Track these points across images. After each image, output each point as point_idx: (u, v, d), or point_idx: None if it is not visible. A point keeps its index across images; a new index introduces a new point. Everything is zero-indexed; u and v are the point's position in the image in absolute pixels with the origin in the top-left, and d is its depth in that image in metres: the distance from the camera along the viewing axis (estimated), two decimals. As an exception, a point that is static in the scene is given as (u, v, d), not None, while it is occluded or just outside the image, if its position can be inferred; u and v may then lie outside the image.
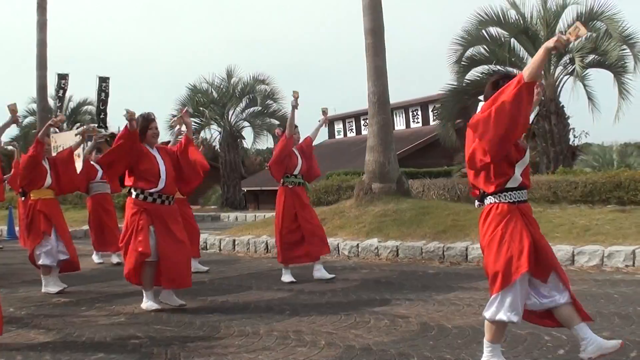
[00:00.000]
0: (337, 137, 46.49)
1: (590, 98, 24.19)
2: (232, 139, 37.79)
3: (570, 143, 26.24)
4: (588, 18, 23.16)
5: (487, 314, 5.35)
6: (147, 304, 8.90)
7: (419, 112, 40.64)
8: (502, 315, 5.26)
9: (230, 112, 37.79)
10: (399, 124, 41.02)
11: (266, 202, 41.07)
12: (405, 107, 41.29)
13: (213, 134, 39.02)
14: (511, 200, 5.38)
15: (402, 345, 6.51)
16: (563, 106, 24.43)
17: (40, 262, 10.63)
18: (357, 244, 14.18)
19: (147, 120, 9.11)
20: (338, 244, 14.47)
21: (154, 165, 8.95)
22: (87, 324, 8.12)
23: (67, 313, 8.92)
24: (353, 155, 33.60)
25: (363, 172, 18.22)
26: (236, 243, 16.49)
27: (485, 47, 24.50)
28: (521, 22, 23.99)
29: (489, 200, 5.42)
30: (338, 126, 47.01)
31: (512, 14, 24.09)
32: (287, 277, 11.10)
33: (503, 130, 5.01)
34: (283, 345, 6.72)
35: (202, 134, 38.01)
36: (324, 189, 21.54)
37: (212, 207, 37.94)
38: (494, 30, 24.33)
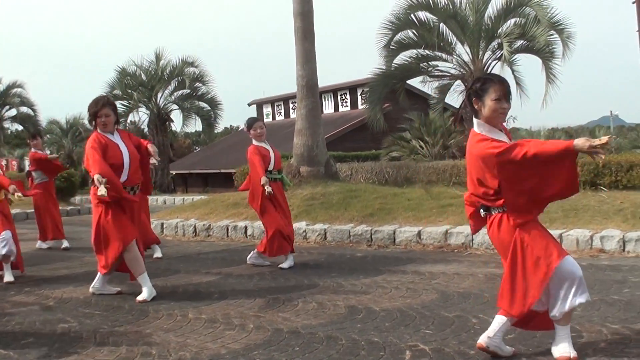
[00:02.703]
0: (265, 120, 46.41)
1: (518, 83, 24.48)
2: (161, 122, 37.51)
3: (499, 127, 26.55)
4: (517, 4, 23.43)
5: (554, 312, 5.21)
6: (146, 293, 8.29)
7: (348, 96, 40.78)
8: (569, 304, 5.12)
9: (159, 95, 37.58)
10: (328, 107, 41.13)
11: (194, 185, 40.92)
12: (334, 91, 41.40)
13: (141, 116, 38.74)
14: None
15: (330, 328, 6.57)
16: (491, 91, 24.65)
17: None
18: (286, 228, 14.19)
19: (95, 106, 8.45)
20: (266, 227, 14.48)
21: (118, 155, 8.30)
22: (16, 309, 8.03)
23: (-6, 298, 8.81)
24: (281, 139, 33.58)
25: (291, 156, 18.24)
26: (164, 226, 16.42)
27: (414, 31, 24.59)
28: (450, 7, 24.12)
29: (497, 210, 5.30)
30: (267, 109, 46.98)
31: (442, -2, 24.25)
32: (257, 259, 11.00)
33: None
34: (211, 329, 6.73)
35: (130, 117, 37.70)
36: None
37: (160, 193, 37.69)
38: (423, 14, 24.42)
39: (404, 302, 7.67)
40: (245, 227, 14.75)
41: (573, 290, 5.08)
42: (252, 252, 11.04)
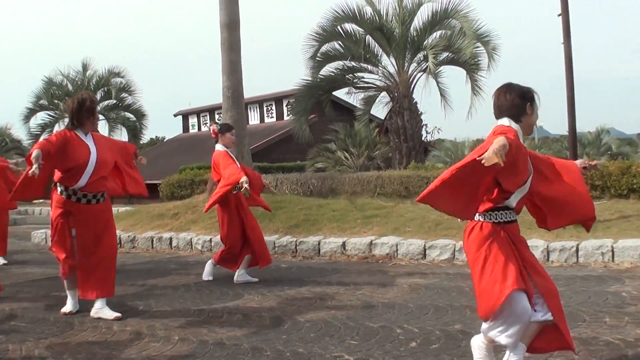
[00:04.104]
0: (191, 131, 46.13)
1: (442, 95, 24.67)
2: (86, 133, 37.00)
3: (423, 139, 26.71)
4: (443, 16, 23.59)
5: (485, 333, 5.08)
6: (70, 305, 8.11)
7: (274, 107, 40.75)
8: (493, 335, 5.00)
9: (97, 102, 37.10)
10: (253, 118, 41.04)
11: (119, 197, 40.45)
12: (260, 102, 41.33)
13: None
14: (497, 221, 4.99)
15: (255, 340, 6.58)
16: (416, 102, 24.80)
17: None
18: (210, 239, 14.15)
19: (93, 103, 8.06)
20: (191, 238, 14.41)
21: (81, 157, 7.75)
22: None
23: None
24: (207, 150, 33.34)
25: (217, 167, 18.18)
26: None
27: (340, 43, 24.63)
28: (377, 19, 24.20)
29: (475, 217, 5.04)
30: (192, 120, 46.69)
31: (368, 10, 24.25)
32: (209, 274, 10.54)
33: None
34: (137, 341, 6.69)
35: (56, 127, 37.15)
36: (177, 183, 21.30)
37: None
38: (349, 26, 24.46)
39: (328, 313, 7.71)
40: (170, 239, 14.65)
41: (503, 326, 4.92)
42: (237, 273, 10.44)
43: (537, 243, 10.91)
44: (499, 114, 5.05)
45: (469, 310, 7.52)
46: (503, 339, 4.90)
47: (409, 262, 11.53)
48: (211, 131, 10.67)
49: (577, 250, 10.66)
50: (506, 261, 4.86)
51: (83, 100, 7.89)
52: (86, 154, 7.76)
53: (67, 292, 8.21)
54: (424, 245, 11.74)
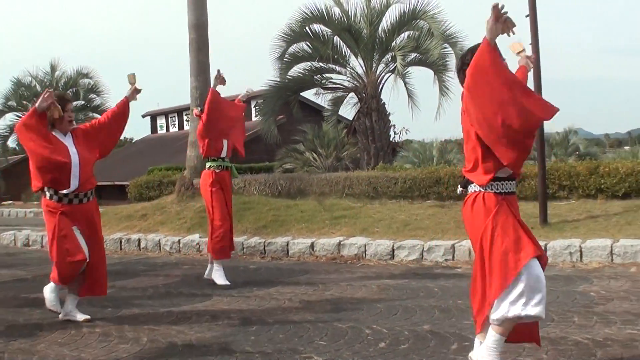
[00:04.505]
0: (159, 132, 45.95)
1: (410, 96, 24.73)
2: (55, 134, 36.87)
3: (391, 140, 26.76)
4: (411, 17, 23.62)
5: (495, 315, 4.78)
6: (52, 297, 7.81)
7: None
8: (515, 310, 4.68)
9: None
10: (222, 119, 40.94)
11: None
12: (228, 103, 41.24)
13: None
14: (499, 191, 4.86)
15: (224, 341, 6.58)
16: (384, 103, 24.83)
17: None
18: (179, 240, 14.14)
19: (63, 101, 7.71)
20: (160, 239, 14.39)
21: (65, 160, 7.50)
22: None
23: None
24: (175, 151, 33.30)
25: (185, 168, 18.17)
26: (55, 239, 16.11)
27: (308, 43, 24.62)
28: (345, 19, 24.20)
29: (475, 187, 4.91)
30: (160, 121, 46.50)
31: (337, 11, 24.23)
32: (221, 278, 10.01)
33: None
34: (105, 343, 6.67)
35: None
36: (145, 184, 21.24)
37: (35, 202, 36.83)
38: (317, 27, 24.44)
39: (297, 314, 7.73)
40: (139, 240, 14.62)
41: (525, 298, 4.68)
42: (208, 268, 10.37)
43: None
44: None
45: (437, 310, 7.56)
46: (531, 310, 4.64)
47: (378, 262, 11.56)
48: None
49: (545, 250, 10.72)
50: (515, 230, 4.75)
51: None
52: (66, 156, 7.54)
53: (70, 296, 7.90)
54: (393, 246, 11.78)
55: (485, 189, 4.83)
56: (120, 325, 7.40)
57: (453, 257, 11.26)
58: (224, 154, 10.28)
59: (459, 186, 5.10)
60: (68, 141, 7.68)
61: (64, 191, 7.54)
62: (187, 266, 12.15)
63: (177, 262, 12.81)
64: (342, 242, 12.29)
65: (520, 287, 4.66)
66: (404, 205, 14.64)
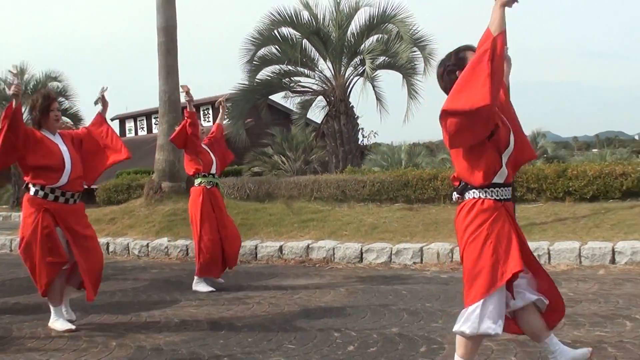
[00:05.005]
0: (128, 135, 45.67)
1: (379, 99, 24.83)
2: (24, 137, 36.62)
3: (360, 143, 26.84)
4: (380, 21, 23.69)
5: (466, 327, 4.64)
6: (58, 322, 7.47)
7: (210, 111, 40.59)
8: (485, 327, 4.59)
9: (23, 109, 36.64)
10: (190, 122, 40.87)
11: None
12: (197, 106, 40.97)
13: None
14: (498, 198, 4.71)
15: (193, 345, 6.58)
16: (353, 107, 24.90)
17: None
18: (147, 244, 14.11)
19: (48, 100, 7.56)
20: (128, 243, 14.34)
21: (54, 155, 7.36)
22: None
23: None
24: (144, 154, 33.17)
25: (153, 171, 18.13)
26: (24, 243, 15.99)
27: (277, 47, 24.64)
28: (314, 23, 24.23)
29: (473, 194, 4.72)
30: (129, 124, 46.27)
31: (305, 14, 24.26)
32: (202, 286, 9.86)
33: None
34: (74, 347, 6.65)
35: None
36: (114, 187, 21.16)
37: (4, 206, 36.57)
38: (286, 30, 24.46)
39: (266, 317, 7.74)
40: (107, 244, 14.56)
41: (496, 315, 4.62)
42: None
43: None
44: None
45: (406, 313, 7.60)
46: (495, 328, 4.59)
47: (346, 265, 11.61)
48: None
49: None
50: (508, 241, 4.63)
51: (36, 100, 7.62)
52: (58, 154, 7.40)
53: (53, 307, 7.59)
54: (361, 249, 11.83)
55: (485, 195, 4.69)
56: (89, 330, 7.38)
57: (421, 260, 11.32)
58: (213, 170, 10.12)
59: (455, 193, 4.90)
60: (57, 140, 7.54)
61: (52, 185, 7.32)
62: (155, 270, 12.13)
63: (145, 266, 12.78)
64: (310, 246, 12.32)
65: (495, 302, 4.60)
66: (372, 209, 14.69)
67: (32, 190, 7.36)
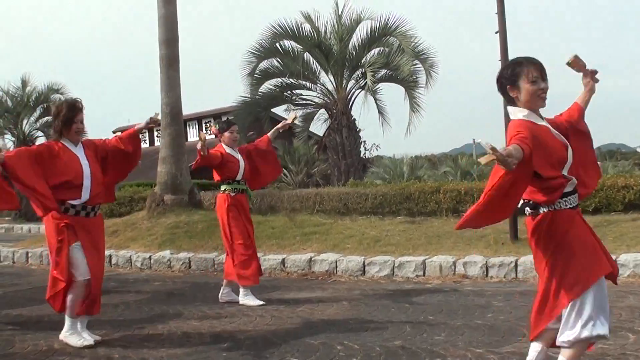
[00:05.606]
0: (129, 147, 45.74)
1: (380, 112, 24.94)
2: (26, 149, 36.72)
3: (362, 156, 26.89)
4: (382, 34, 23.80)
5: (568, 336, 4.58)
6: (73, 337, 7.22)
7: (212, 124, 40.68)
8: (587, 331, 4.52)
9: (25, 122, 36.80)
10: (192, 135, 40.90)
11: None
12: (199, 119, 41.24)
13: (7, 143, 37.72)
14: (571, 206, 4.70)
15: (196, 358, 6.57)
16: (355, 119, 24.98)
17: None
18: (150, 256, 14.10)
19: (73, 111, 7.27)
20: (130, 256, 14.34)
21: (72, 170, 7.14)
22: None
23: None
24: (146, 167, 33.17)
25: (155, 184, 18.13)
26: (29, 255, 16.00)
27: (279, 60, 24.71)
28: (315, 36, 24.32)
29: (547, 207, 4.67)
30: (130, 136, 46.32)
31: (307, 27, 24.36)
32: (251, 299, 9.63)
33: None
34: (78, 359, 6.64)
35: (-5, 143, 36.73)
36: (116, 200, 21.16)
37: (6, 218, 36.53)
38: (288, 43, 24.56)
39: (268, 330, 7.73)
40: (110, 256, 14.55)
41: (595, 318, 4.56)
42: (223, 289, 10.06)
43: (475, 259, 11.06)
44: (505, 104, 4.91)
45: (408, 326, 7.58)
46: (600, 329, 4.53)
47: (349, 278, 11.60)
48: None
49: (516, 266, 10.79)
50: (591, 245, 4.67)
51: (60, 109, 7.32)
52: (78, 168, 7.20)
53: (70, 318, 7.31)
54: (364, 262, 11.82)
55: (560, 206, 4.66)
56: (92, 343, 7.36)
57: (424, 272, 11.31)
58: (239, 177, 9.97)
59: (528, 208, 4.80)
60: (79, 152, 7.34)
61: (73, 202, 7.16)
62: (158, 282, 12.12)
63: (147, 278, 12.77)
64: (313, 258, 12.31)
65: (589, 306, 4.55)
66: (375, 221, 14.69)
67: None
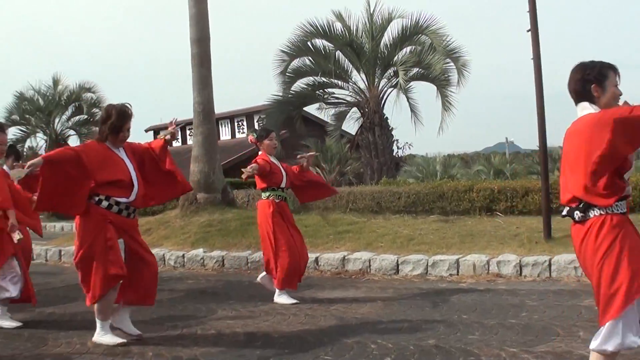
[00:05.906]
0: (162, 146, 45.91)
1: (413, 110, 24.85)
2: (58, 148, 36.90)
3: (394, 154, 26.82)
4: (413, 32, 23.74)
5: (609, 345, 4.55)
6: (107, 337, 7.21)
7: (245, 123, 40.72)
8: (629, 341, 4.52)
9: (57, 120, 37.02)
10: (225, 134, 41.00)
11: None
12: (231, 117, 41.29)
13: (39, 142, 37.99)
14: (623, 211, 4.68)
15: (229, 356, 6.58)
16: (387, 118, 24.93)
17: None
18: (183, 254, 14.13)
19: (123, 120, 7.31)
20: (164, 254, 14.37)
21: (125, 172, 7.30)
22: None
23: None
24: (179, 165, 33.33)
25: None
26: (62, 253, 16.07)
27: (310, 58, 24.70)
28: (347, 34, 24.29)
29: (599, 211, 4.64)
30: (163, 135, 46.52)
31: (338, 26, 24.35)
32: (285, 299, 9.60)
33: None
34: (111, 357, 6.66)
35: (27, 142, 37.00)
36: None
37: (40, 217, 36.83)
38: (319, 42, 24.54)
39: (302, 329, 7.72)
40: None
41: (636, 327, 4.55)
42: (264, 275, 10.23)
43: (509, 258, 10.98)
44: (575, 98, 4.90)
45: (442, 325, 7.54)
46: (637, 340, 4.53)
47: (382, 277, 11.56)
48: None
49: (549, 265, 10.70)
50: None
51: (110, 113, 7.30)
52: (125, 170, 7.32)
53: (101, 322, 7.29)
54: (397, 261, 11.78)
55: (613, 211, 4.62)
56: (125, 340, 7.38)
57: (457, 271, 11.25)
58: (283, 184, 9.99)
59: (578, 212, 4.76)
60: (122, 154, 7.41)
61: (122, 199, 7.24)
62: (191, 281, 12.15)
63: (181, 276, 12.80)
64: (346, 257, 12.29)
65: (632, 313, 4.53)
66: (408, 220, 14.62)
67: (95, 199, 7.16)
